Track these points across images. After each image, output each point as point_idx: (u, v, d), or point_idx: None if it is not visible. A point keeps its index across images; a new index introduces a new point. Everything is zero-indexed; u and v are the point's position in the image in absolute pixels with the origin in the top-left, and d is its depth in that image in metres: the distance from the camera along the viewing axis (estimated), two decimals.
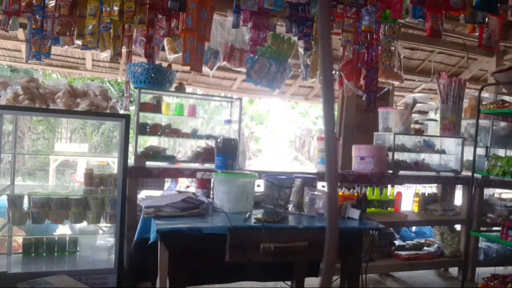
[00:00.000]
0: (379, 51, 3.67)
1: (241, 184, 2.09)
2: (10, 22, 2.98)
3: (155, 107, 3.12)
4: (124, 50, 3.45)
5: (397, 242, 3.85)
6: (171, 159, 3.15)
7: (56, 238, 2.96)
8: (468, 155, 3.82)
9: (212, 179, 2.34)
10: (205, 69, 3.78)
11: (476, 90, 4.31)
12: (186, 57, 3.10)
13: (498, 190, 4.16)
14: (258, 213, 1.99)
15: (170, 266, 1.81)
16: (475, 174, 3.35)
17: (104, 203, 2.85)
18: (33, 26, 3.02)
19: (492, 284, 3.18)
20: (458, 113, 3.95)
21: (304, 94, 6.04)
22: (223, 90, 5.59)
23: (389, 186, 3.74)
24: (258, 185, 2.41)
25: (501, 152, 3.98)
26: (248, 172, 2.30)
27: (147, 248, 2.03)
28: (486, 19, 3.50)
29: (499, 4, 3.36)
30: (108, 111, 2.87)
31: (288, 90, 5.73)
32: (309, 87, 5.84)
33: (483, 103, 3.60)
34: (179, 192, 2.55)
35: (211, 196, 2.32)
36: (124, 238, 2.74)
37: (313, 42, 3.66)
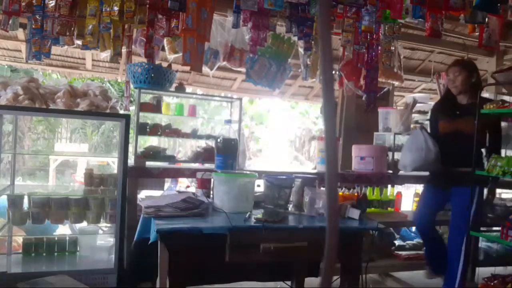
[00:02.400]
0: (379, 51, 3.67)
1: (241, 184, 2.09)
2: (10, 22, 2.98)
3: (155, 107, 3.12)
4: (124, 50, 3.45)
5: (397, 242, 3.85)
6: (171, 159, 3.14)
7: (56, 238, 2.96)
8: None
9: (212, 179, 2.34)
10: (205, 69, 3.78)
11: None
12: (186, 57, 3.10)
13: (498, 190, 4.16)
14: (258, 213, 1.99)
15: (170, 266, 1.81)
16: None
17: (104, 203, 2.85)
18: (33, 26, 3.02)
19: (492, 284, 3.17)
20: None
21: (304, 94, 6.04)
22: (223, 90, 5.59)
23: (389, 186, 3.74)
24: (258, 185, 2.41)
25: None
26: (248, 172, 2.30)
27: (147, 248, 2.03)
28: (486, 19, 3.50)
29: (499, 4, 3.36)
30: (108, 111, 2.87)
31: (288, 90, 5.73)
32: (309, 87, 5.84)
33: None
34: (179, 192, 2.55)
35: (211, 196, 2.32)
36: (124, 238, 2.74)
37: (313, 42, 3.66)
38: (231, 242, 1.75)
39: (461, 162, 2.83)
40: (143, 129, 3.03)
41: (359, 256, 2.06)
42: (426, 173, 3.76)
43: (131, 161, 2.92)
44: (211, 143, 3.11)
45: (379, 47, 3.66)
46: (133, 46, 3.52)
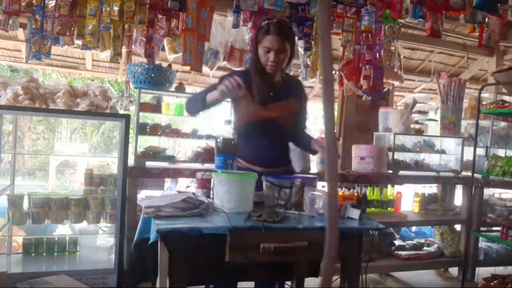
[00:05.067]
0: (382, 51, 3.65)
1: (241, 184, 2.09)
2: (10, 22, 2.98)
3: (155, 107, 3.12)
4: (124, 50, 3.45)
5: (397, 242, 3.85)
6: (171, 159, 3.14)
7: (56, 238, 2.96)
8: (468, 155, 3.82)
9: (212, 179, 2.34)
10: (205, 69, 3.78)
11: (476, 90, 4.31)
12: (186, 57, 3.10)
13: (498, 190, 4.16)
14: (258, 213, 1.99)
15: (170, 266, 1.81)
16: (475, 174, 3.35)
17: (104, 203, 2.85)
18: (33, 26, 3.02)
19: (492, 284, 3.18)
20: (458, 113, 3.95)
21: None
22: None
23: (389, 186, 3.74)
24: None
25: (501, 152, 3.97)
26: (248, 172, 2.30)
27: (147, 248, 2.03)
28: (486, 19, 3.50)
29: (499, 4, 3.36)
30: (108, 111, 2.87)
31: None
32: (309, 87, 5.83)
33: (483, 103, 3.60)
34: (179, 192, 2.55)
35: (211, 196, 2.32)
36: (124, 238, 2.74)
37: (313, 42, 3.66)
38: (231, 242, 1.74)
39: (278, 161, 2.26)
40: (143, 129, 3.03)
41: (359, 256, 2.06)
42: (427, 173, 3.77)
43: (131, 161, 2.92)
44: (211, 143, 3.11)
45: (383, 47, 3.64)
46: (133, 46, 3.52)
